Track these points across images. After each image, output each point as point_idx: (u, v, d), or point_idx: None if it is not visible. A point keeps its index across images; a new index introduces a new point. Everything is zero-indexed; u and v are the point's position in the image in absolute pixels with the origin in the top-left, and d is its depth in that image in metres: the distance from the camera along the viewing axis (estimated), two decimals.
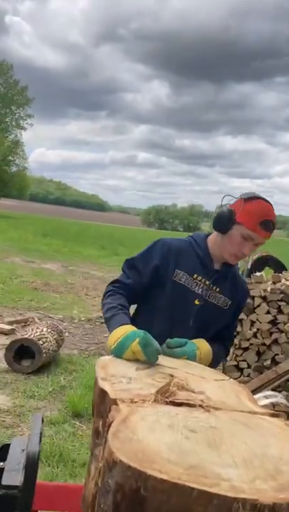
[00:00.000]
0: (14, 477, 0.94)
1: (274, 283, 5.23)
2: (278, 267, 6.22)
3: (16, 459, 1.02)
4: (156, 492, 0.78)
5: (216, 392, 1.28)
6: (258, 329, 4.81)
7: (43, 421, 1.10)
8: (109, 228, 39.04)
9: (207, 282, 1.79)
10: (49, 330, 4.71)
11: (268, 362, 4.67)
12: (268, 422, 1.14)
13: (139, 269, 1.81)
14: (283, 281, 5.22)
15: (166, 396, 1.18)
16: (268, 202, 1.75)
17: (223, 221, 1.73)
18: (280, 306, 5.02)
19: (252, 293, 5.07)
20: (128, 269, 1.84)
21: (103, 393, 1.20)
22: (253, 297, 5.04)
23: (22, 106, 44.00)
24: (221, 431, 1.01)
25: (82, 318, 7.08)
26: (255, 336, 4.83)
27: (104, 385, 1.22)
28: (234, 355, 4.82)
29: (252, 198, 1.73)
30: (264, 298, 5.00)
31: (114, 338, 1.50)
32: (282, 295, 4.97)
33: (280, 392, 4.12)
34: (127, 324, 1.58)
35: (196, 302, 1.78)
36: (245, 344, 4.79)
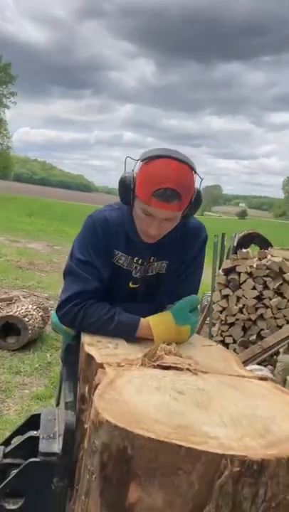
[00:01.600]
0: (52, 445, 0.98)
1: (260, 259, 5.25)
2: (264, 244, 6.25)
3: (49, 428, 1.04)
4: (143, 451, 0.77)
5: (204, 357, 1.27)
6: (243, 305, 4.84)
7: (75, 392, 1.09)
8: (95, 208, 38.57)
9: (140, 261, 1.50)
10: (34, 307, 4.67)
11: (254, 337, 4.71)
12: (256, 385, 1.13)
13: (94, 264, 1.43)
14: (269, 257, 5.24)
15: (153, 360, 1.16)
16: (174, 158, 1.28)
17: (123, 192, 1.39)
18: (265, 282, 5.04)
19: (238, 269, 5.08)
20: (82, 269, 1.43)
21: (89, 358, 1.19)
22: (239, 273, 5.05)
23: (5, 84, 42.86)
24: (209, 393, 1.00)
25: None
26: (240, 311, 4.86)
27: (91, 350, 1.21)
28: (220, 331, 4.86)
29: (150, 160, 1.31)
30: (250, 274, 5.02)
31: (159, 327, 1.34)
32: (268, 271, 4.99)
33: (265, 366, 4.17)
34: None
35: (131, 285, 1.53)
36: (231, 319, 4.83)
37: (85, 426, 0.93)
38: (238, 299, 4.90)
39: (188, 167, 1.31)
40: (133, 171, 1.39)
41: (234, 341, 4.82)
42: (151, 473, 0.78)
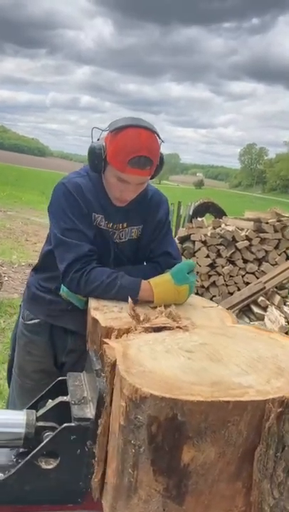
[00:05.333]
0: (84, 410, 1.03)
1: (214, 228, 5.36)
2: (219, 213, 6.37)
3: (78, 394, 1.09)
4: (193, 414, 0.82)
5: (201, 318, 1.33)
6: (197, 272, 4.96)
7: (102, 359, 1.10)
8: (50, 174, 37.74)
9: (110, 224, 1.56)
10: None
11: None
12: (242, 330, 1.23)
13: (79, 229, 1.47)
14: (223, 226, 5.37)
15: (142, 324, 1.18)
16: (143, 127, 1.38)
17: (94, 161, 1.45)
18: (219, 250, 5.18)
19: (193, 237, 5.17)
20: (69, 237, 1.46)
21: (95, 322, 1.22)
22: (193, 242, 5.15)
23: None
24: (212, 345, 1.07)
25: (23, 263, 6.90)
26: None
27: (96, 314, 1.25)
28: None
29: (119, 130, 1.39)
30: (204, 242, 5.13)
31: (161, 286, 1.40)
32: (221, 239, 5.12)
33: None
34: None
35: (116, 243, 1.60)
36: None
37: (121, 401, 0.91)
38: None
39: (155, 135, 1.42)
40: (99, 140, 1.46)
41: None
42: (202, 432, 0.83)
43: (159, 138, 1.44)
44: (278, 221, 5.50)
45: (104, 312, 1.28)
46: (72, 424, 1.01)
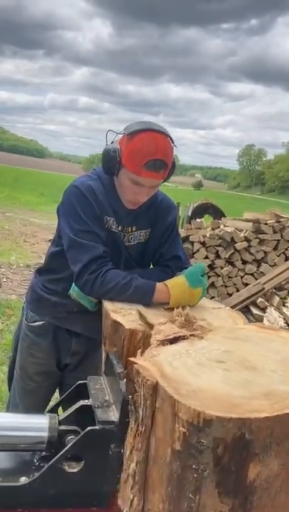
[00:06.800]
0: (108, 414, 1.04)
1: (213, 229, 5.36)
2: (217, 214, 6.37)
3: (100, 397, 1.10)
4: (260, 431, 0.81)
5: (215, 319, 1.34)
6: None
7: (125, 362, 1.11)
8: (49, 175, 37.72)
9: (120, 227, 1.57)
10: None
11: None
12: (250, 331, 1.24)
13: (93, 230, 1.48)
14: (222, 227, 5.36)
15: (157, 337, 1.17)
16: (158, 131, 1.41)
17: (108, 163, 1.47)
18: (217, 251, 5.18)
19: (191, 238, 5.17)
20: (83, 238, 1.46)
21: (116, 324, 1.23)
22: (192, 243, 5.14)
23: None
24: (235, 352, 1.07)
25: (21, 265, 6.89)
26: None
27: (117, 317, 1.26)
28: None
29: (135, 133, 1.41)
30: (203, 243, 5.12)
31: (177, 288, 1.41)
32: (220, 240, 5.12)
33: None
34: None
35: (125, 246, 1.62)
36: None
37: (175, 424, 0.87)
38: None
39: (168, 138, 1.45)
40: (112, 142, 1.49)
41: None
42: (267, 447, 0.82)
43: (172, 142, 1.46)
44: (277, 222, 5.50)
45: (123, 314, 1.28)
46: (97, 427, 1.01)
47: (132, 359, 1.04)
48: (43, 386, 1.75)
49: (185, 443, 0.83)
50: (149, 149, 1.39)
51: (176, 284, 1.43)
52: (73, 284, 1.52)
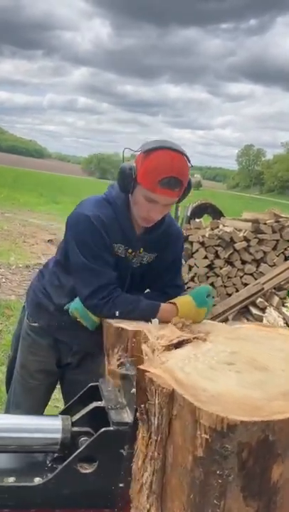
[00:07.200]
0: (122, 415, 1.06)
1: (212, 229, 5.36)
2: (216, 214, 6.36)
3: (113, 399, 1.12)
4: (282, 431, 0.82)
5: (205, 324, 1.43)
6: (195, 273, 4.95)
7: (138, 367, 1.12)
8: (48, 176, 37.71)
9: (130, 250, 1.60)
10: None
11: None
12: (249, 330, 1.27)
13: (103, 257, 1.52)
14: (221, 227, 5.36)
15: (161, 343, 1.18)
16: (174, 150, 1.42)
17: (124, 180, 1.49)
18: (217, 251, 5.17)
19: (191, 238, 5.16)
20: (96, 264, 1.50)
21: (119, 330, 1.28)
22: (191, 243, 5.14)
23: None
24: (242, 353, 1.08)
25: (20, 265, 6.88)
26: (192, 279, 4.97)
27: (120, 324, 1.32)
28: None
29: (151, 151, 1.43)
30: (202, 243, 5.12)
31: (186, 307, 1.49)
32: (219, 240, 5.12)
33: None
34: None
35: (132, 267, 1.65)
36: None
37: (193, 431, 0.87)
38: (190, 267, 4.99)
39: (185, 157, 1.46)
40: (129, 161, 1.52)
41: None
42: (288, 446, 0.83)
43: (189, 162, 1.47)
44: (276, 222, 5.49)
45: (125, 323, 1.36)
46: (111, 428, 1.03)
47: (142, 367, 1.02)
48: (43, 384, 1.77)
49: (208, 449, 0.82)
50: (165, 167, 1.40)
51: (185, 303, 1.51)
52: (74, 303, 1.56)
